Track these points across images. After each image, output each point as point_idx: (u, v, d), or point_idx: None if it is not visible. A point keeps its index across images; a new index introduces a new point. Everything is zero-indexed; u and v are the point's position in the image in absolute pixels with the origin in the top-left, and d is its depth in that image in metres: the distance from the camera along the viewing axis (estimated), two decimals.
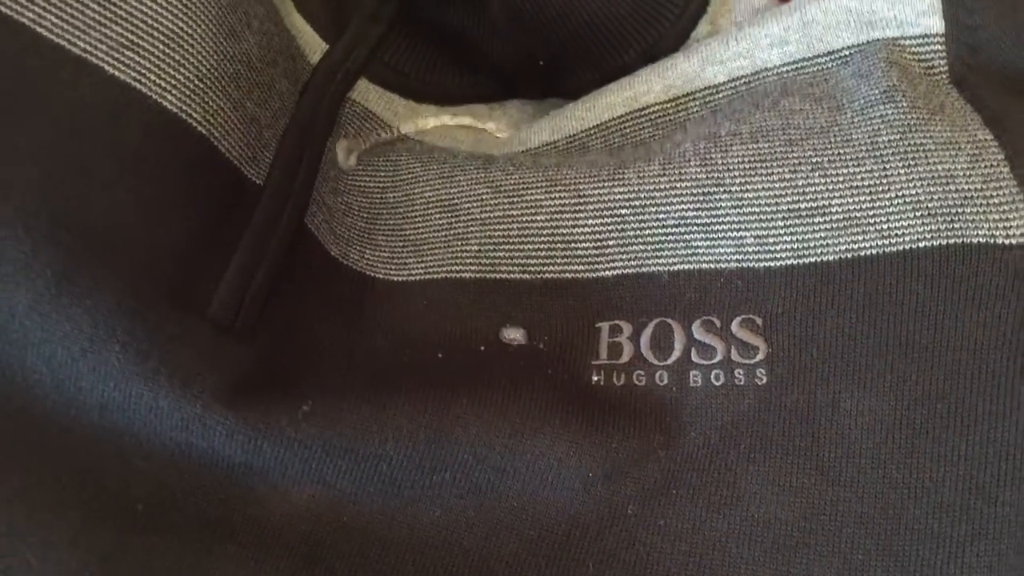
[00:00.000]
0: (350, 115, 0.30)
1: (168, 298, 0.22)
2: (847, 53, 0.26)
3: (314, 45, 0.30)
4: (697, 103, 0.28)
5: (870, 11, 0.25)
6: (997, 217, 0.21)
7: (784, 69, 0.26)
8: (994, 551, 0.20)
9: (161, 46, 0.23)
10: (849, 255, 0.22)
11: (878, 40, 0.25)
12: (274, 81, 0.27)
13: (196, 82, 0.23)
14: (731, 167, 0.24)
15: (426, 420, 0.23)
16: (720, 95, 0.27)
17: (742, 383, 0.22)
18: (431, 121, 0.32)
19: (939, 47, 0.24)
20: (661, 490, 0.22)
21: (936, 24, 0.24)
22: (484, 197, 0.27)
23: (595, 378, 0.24)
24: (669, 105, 0.28)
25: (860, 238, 0.22)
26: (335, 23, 0.30)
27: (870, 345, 0.22)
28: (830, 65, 0.26)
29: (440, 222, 0.27)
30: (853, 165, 0.23)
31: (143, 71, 0.23)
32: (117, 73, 0.22)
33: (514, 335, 0.25)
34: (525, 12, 0.30)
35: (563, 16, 0.30)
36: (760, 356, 0.22)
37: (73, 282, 0.20)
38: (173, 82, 0.23)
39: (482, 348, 0.25)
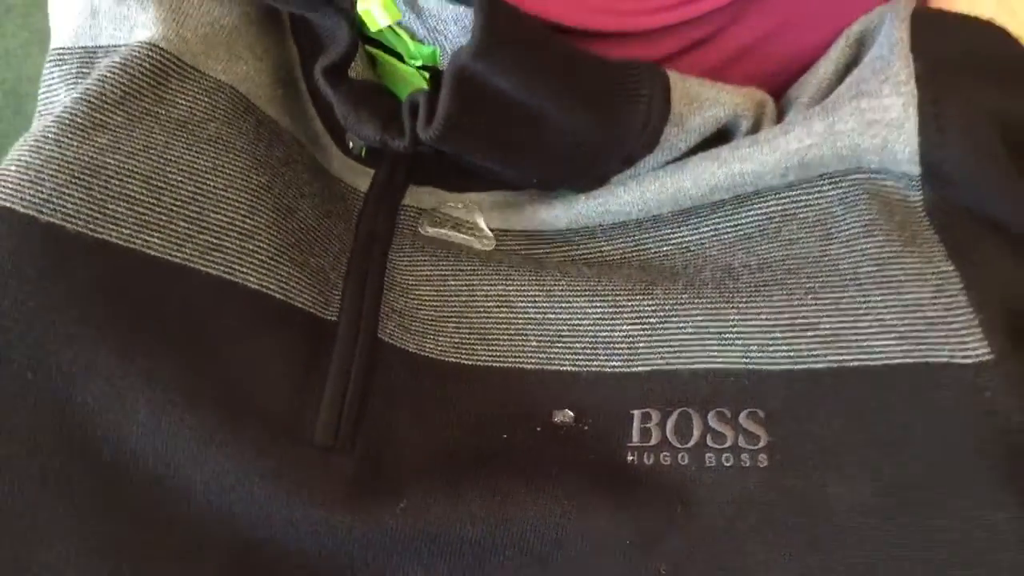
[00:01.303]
0: (405, 219, 0.34)
1: (285, 434, 0.27)
2: (838, 177, 0.30)
3: (363, 175, 0.34)
4: (706, 209, 0.32)
5: (858, 160, 0.29)
6: (956, 340, 0.26)
7: (783, 191, 0.31)
8: None
9: (238, 242, 0.29)
10: (835, 365, 0.27)
11: (864, 170, 0.29)
12: (332, 228, 0.32)
13: (268, 261, 0.29)
14: (740, 291, 0.29)
15: (494, 506, 0.27)
16: (726, 206, 0.31)
17: (747, 465, 0.27)
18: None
19: (916, 184, 0.28)
20: (687, 556, 0.26)
21: (915, 170, 0.28)
22: (538, 300, 0.31)
23: (630, 458, 0.28)
24: (680, 214, 0.32)
25: (844, 353, 0.27)
26: (376, 151, 0.34)
27: (852, 440, 0.26)
28: (822, 184, 0.30)
29: (500, 315, 0.31)
30: (839, 291, 0.28)
31: (230, 265, 0.28)
32: (211, 271, 0.28)
33: (564, 418, 0.29)
34: (507, 163, 0.32)
35: (540, 160, 0.32)
36: (762, 443, 0.27)
37: (217, 440, 0.26)
38: (252, 266, 0.29)
39: (538, 429, 0.29)
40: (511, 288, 0.32)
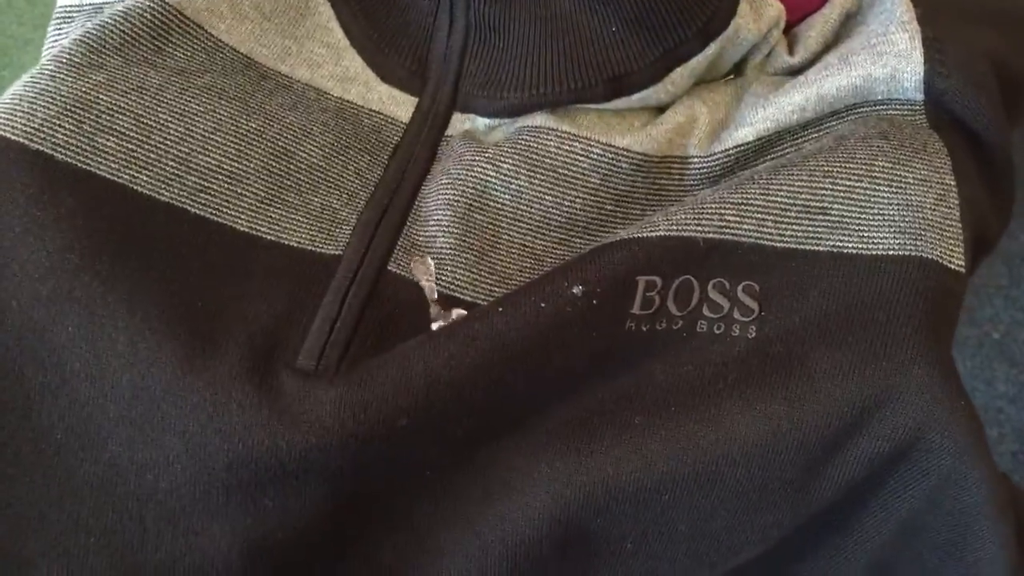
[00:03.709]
0: (446, 148, 0.34)
1: (265, 361, 0.27)
2: (845, 112, 0.32)
3: (406, 103, 0.35)
4: (732, 155, 0.33)
5: (871, 90, 0.31)
6: (947, 247, 0.28)
7: (799, 129, 0.32)
8: None
9: (227, 185, 0.29)
10: (835, 250, 0.28)
11: (868, 102, 0.31)
12: (347, 164, 0.32)
13: (258, 204, 0.29)
14: (760, 170, 0.30)
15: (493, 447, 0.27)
16: (750, 148, 0.33)
17: (736, 334, 0.28)
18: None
19: (920, 109, 0.31)
20: (662, 406, 0.27)
21: (919, 96, 0.31)
22: (560, 253, 0.31)
23: (629, 324, 0.28)
24: (709, 158, 0.33)
25: (846, 239, 0.28)
26: (419, 77, 0.35)
27: (841, 319, 0.27)
28: (833, 122, 0.32)
29: (524, 264, 0.31)
30: (854, 180, 0.29)
31: (216, 207, 0.29)
32: (199, 211, 0.29)
33: (574, 289, 0.28)
34: None
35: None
36: (753, 315, 0.28)
37: (196, 367, 0.26)
38: (240, 207, 0.29)
39: (543, 305, 0.28)
40: (539, 239, 0.32)
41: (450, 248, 0.31)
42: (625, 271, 0.29)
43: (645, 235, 0.29)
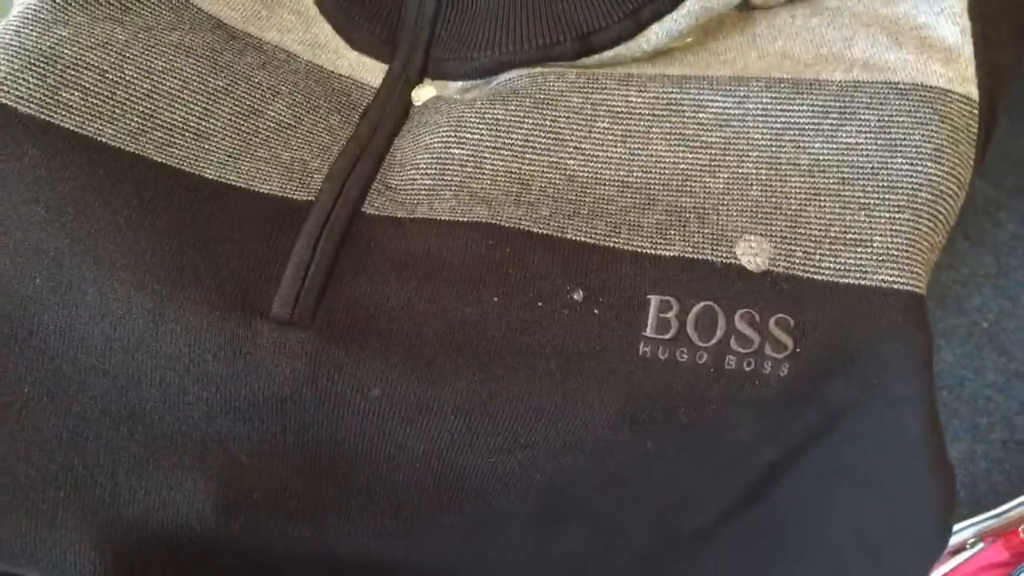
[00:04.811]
0: (418, 109, 0.33)
1: (239, 309, 0.26)
2: (905, 88, 0.29)
3: (376, 70, 0.34)
4: (760, 84, 0.30)
5: (924, 72, 0.29)
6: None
7: (846, 86, 0.29)
8: None
9: (194, 142, 0.29)
10: (884, 285, 0.26)
11: (933, 88, 0.29)
12: (317, 122, 0.31)
13: (227, 159, 0.29)
14: (789, 195, 0.27)
15: (475, 391, 0.26)
16: (783, 87, 0.30)
17: (767, 372, 0.25)
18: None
19: (975, 111, 0.29)
20: (679, 442, 0.26)
21: (973, 92, 0.29)
22: (557, 181, 0.29)
23: (643, 349, 0.26)
24: (727, 82, 0.30)
25: (896, 274, 0.26)
26: (389, 44, 0.34)
27: (880, 360, 0.25)
28: (887, 91, 0.29)
29: (510, 189, 0.29)
30: (895, 211, 0.27)
31: (182, 158, 0.28)
32: (164, 160, 0.28)
33: (575, 295, 0.26)
34: None
35: None
36: (787, 352, 0.25)
37: (169, 317, 0.25)
38: (207, 161, 0.29)
39: (540, 304, 0.26)
40: (527, 167, 0.29)
41: (430, 184, 0.30)
42: (633, 286, 0.27)
43: (656, 252, 0.27)
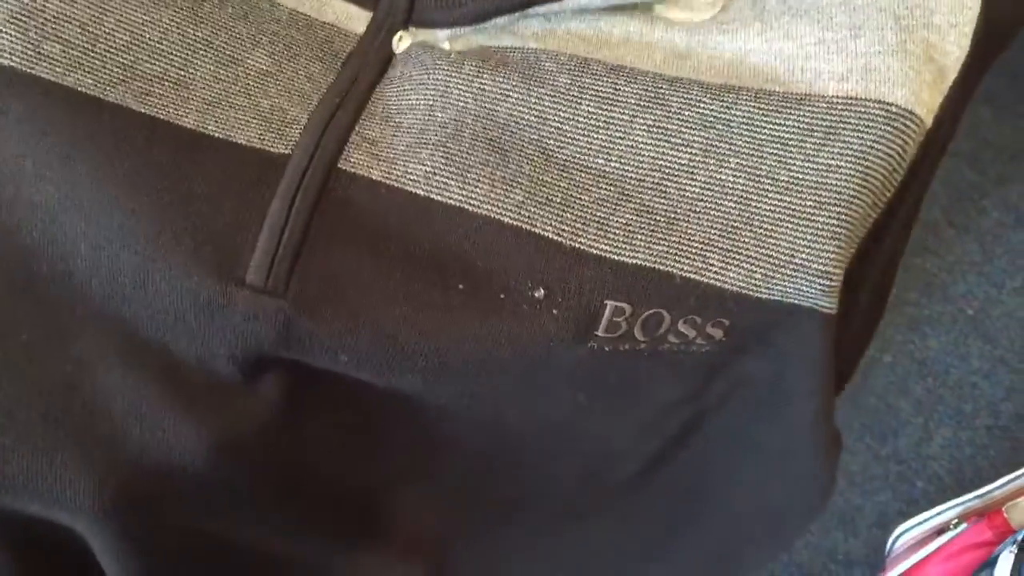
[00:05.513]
0: (401, 56, 0.33)
1: (219, 272, 0.27)
2: (896, 111, 0.27)
3: (360, 18, 0.34)
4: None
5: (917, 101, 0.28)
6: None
7: (836, 103, 0.28)
8: None
9: (173, 91, 0.29)
10: (818, 308, 0.28)
11: (916, 116, 0.27)
12: (298, 70, 0.31)
13: (206, 108, 0.29)
14: (762, 213, 0.28)
15: (434, 363, 0.27)
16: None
17: (692, 350, 0.28)
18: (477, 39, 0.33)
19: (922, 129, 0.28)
20: (607, 398, 0.29)
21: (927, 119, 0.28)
22: (535, 158, 0.29)
23: (591, 344, 0.27)
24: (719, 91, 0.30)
25: (830, 303, 0.28)
26: None
27: (786, 356, 0.29)
28: (877, 113, 0.27)
29: (487, 159, 0.29)
30: (834, 246, 0.27)
31: (161, 107, 0.29)
32: (144, 110, 0.29)
33: (536, 292, 0.27)
34: None
35: None
36: (716, 340, 0.28)
37: (156, 277, 0.27)
38: (186, 109, 0.29)
39: (502, 296, 0.27)
40: (507, 136, 0.29)
41: (409, 143, 0.30)
42: (592, 291, 0.27)
43: (620, 259, 0.28)
